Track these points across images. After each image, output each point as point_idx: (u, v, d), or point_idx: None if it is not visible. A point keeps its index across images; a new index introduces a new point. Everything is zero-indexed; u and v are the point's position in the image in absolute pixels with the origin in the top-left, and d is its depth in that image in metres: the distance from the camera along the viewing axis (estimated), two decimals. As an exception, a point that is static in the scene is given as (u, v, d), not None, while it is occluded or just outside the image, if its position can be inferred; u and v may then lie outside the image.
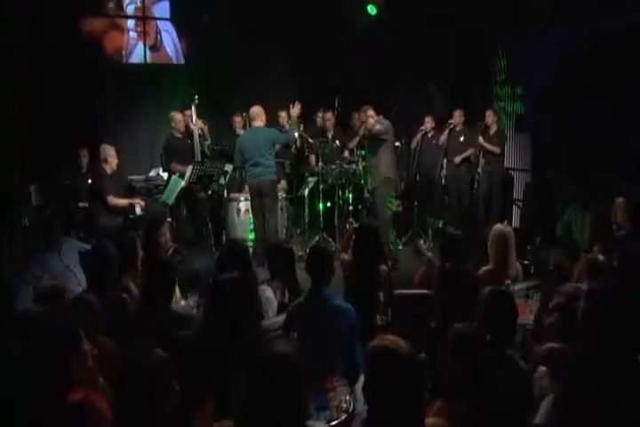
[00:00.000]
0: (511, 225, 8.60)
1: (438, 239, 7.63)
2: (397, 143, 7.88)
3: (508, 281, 3.86)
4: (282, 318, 3.51)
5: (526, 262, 5.49)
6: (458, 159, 8.40)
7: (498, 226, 4.46)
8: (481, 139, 8.22)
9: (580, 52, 7.51)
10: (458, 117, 8.46)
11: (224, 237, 7.50)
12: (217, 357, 3.11)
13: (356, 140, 7.31)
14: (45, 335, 2.44)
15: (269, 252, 4.08)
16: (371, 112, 6.85)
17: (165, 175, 7.82)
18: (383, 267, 4.22)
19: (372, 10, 8.79)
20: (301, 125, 8.63)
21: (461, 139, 8.47)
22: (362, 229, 4.27)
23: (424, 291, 4.08)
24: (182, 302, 4.40)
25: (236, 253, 3.74)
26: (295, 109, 6.89)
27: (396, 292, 4.14)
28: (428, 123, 8.61)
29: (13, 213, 6.48)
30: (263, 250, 6.36)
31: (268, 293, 3.74)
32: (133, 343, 2.48)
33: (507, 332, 2.74)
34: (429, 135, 8.63)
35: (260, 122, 6.97)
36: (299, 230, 8.24)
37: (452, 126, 8.41)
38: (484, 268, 4.42)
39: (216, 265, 3.80)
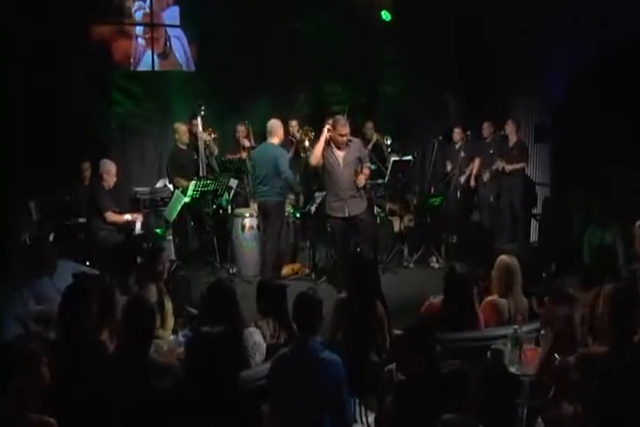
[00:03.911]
0: (529, 240, 8.37)
1: (451, 257, 7.46)
2: (410, 156, 7.61)
3: (516, 326, 3.58)
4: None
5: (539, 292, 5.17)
6: (509, 168, 8.06)
7: (503, 257, 4.17)
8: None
9: (603, 58, 7.19)
10: (487, 129, 8.25)
11: (229, 253, 7.32)
12: (193, 411, 2.91)
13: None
14: None
15: (257, 289, 3.85)
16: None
17: (172, 186, 7.64)
18: (379, 303, 3.97)
19: (386, 16, 8.51)
20: (312, 134, 8.43)
21: (491, 151, 8.22)
22: (357, 263, 4.03)
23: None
24: (171, 337, 4.21)
25: (220, 296, 3.49)
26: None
27: (396, 332, 3.90)
28: (458, 134, 8.39)
29: (12, 229, 6.33)
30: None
31: (255, 337, 3.49)
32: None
33: (504, 419, 2.47)
34: (457, 146, 8.40)
35: (276, 139, 6.55)
36: (308, 244, 8.02)
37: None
38: (489, 298, 4.18)
39: (200, 310, 3.58)
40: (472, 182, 8.39)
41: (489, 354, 3.51)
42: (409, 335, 3.02)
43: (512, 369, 3.42)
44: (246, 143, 7.94)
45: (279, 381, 3.04)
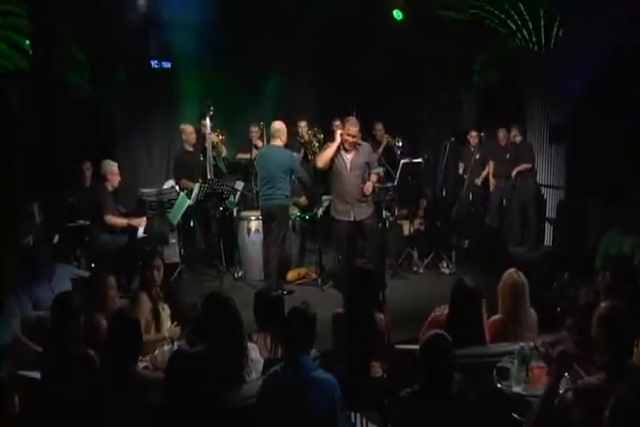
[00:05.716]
0: (544, 243, 8.17)
1: (461, 264, 7.28)
2: (420, 159, 7.43)
3: (522, 343, 3.40)
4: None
5: (551, 301, 4.98)
6: (514, 172, 8.02)
7: (510, 273, 3.95)
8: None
9: (621, 59, 6.98)
10: (503, 136, 8.21)
11: (235, 257, 7.20)
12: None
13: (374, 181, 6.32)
14: None
15: (254, 301, 3.71)
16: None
17: (178, 188, 7.52)
18: (380, 315, 3.82)
19: (397, 15, 8.35)
20: (320, 136, 8.30)
21: (507, 156, 8.12)
22: (355, 272, 3.88)
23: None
24: (165, 347, 4.08)
25: (219, 312, 3.32)
26: None
27: (397, 346, 3.74)
28: (473, 137, 8.28)
29: (15, 231, 6.25)
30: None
31: (253, 354, 3.33)
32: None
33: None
34: (472, 149, 8.29)
35: (279, 141, 6.38)
36: (317, 247, 7.87)
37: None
38: (495, 317, 3.98)
39: (198, 321, 3.44)
40: (491, 185, 8.26)
41: (494, 372, 3.35)
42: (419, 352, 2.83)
43: (518, 389, 3.26)
44: (259, 144, 7.81)
45: (269, 400, 2.90)
